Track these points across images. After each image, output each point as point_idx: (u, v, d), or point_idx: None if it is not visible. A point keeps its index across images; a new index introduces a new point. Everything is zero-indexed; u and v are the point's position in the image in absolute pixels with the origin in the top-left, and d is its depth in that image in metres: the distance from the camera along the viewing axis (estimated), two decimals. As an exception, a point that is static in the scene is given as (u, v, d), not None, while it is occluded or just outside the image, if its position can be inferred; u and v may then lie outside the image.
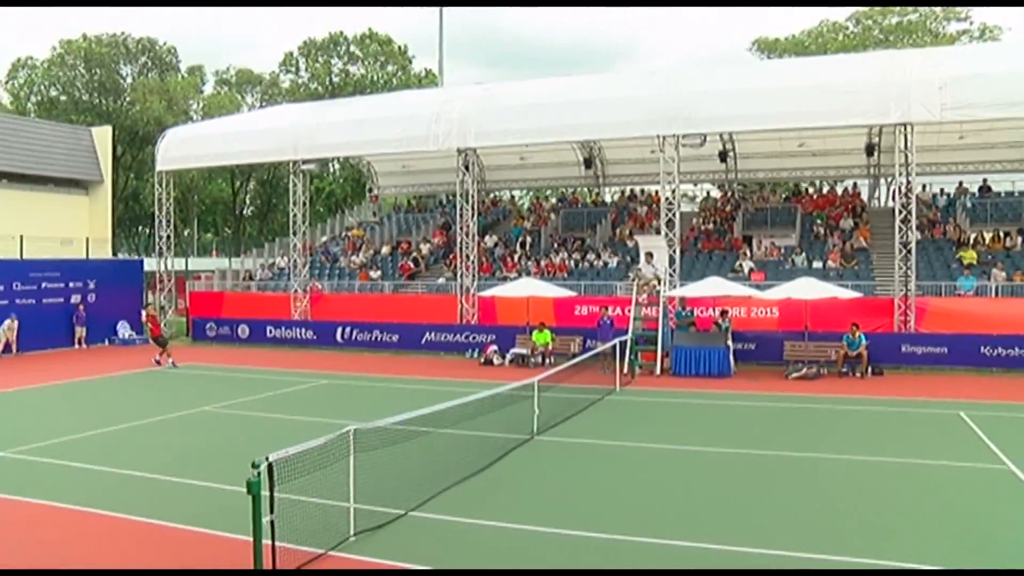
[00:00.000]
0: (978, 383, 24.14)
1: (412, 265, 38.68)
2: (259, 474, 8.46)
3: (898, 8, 60.34)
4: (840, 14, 63.28)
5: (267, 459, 8.58)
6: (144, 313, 31.70)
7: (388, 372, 27.25)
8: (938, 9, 59.52)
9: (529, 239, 39.76)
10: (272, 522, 8.63)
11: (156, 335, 29.56)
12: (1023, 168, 39.24)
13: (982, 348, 27.25)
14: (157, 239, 40.65)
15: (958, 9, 58.93)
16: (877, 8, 60.92)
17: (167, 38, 74.16)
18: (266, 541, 8.59)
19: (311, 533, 9.65)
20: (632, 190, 44.83)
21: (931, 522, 11.16)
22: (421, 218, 46.04)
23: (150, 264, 42.74)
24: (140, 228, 75.91)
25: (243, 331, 36.51)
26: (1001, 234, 33.75)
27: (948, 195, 38.72)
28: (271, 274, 41.03)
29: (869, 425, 18.34)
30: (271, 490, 8.58)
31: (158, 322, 30.79)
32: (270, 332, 35.94)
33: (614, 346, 24.41)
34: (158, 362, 28.71)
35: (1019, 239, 33.21)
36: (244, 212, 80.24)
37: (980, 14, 67.09)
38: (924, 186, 38.43)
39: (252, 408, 20.21)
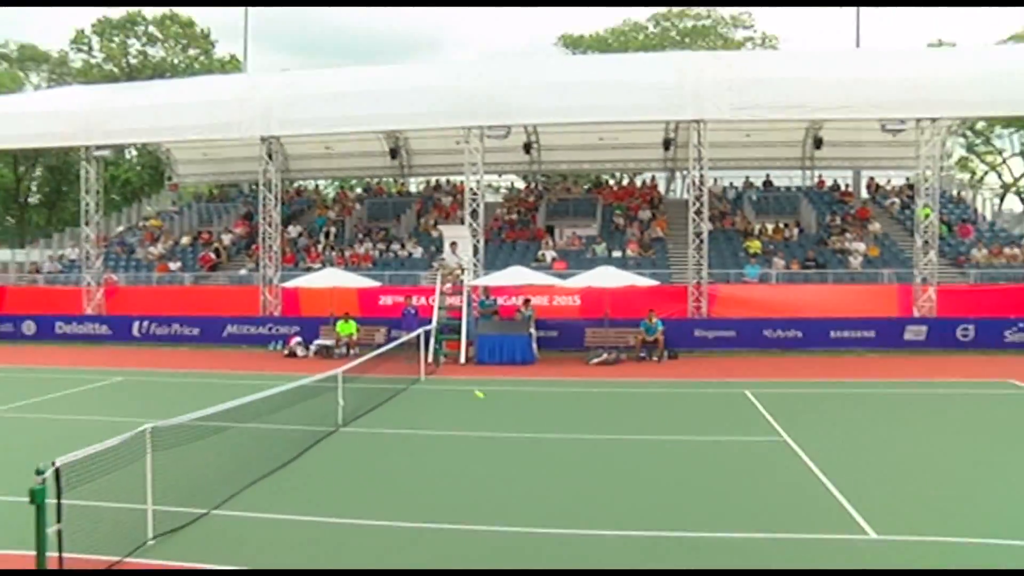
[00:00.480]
0: (761, 363, 25.84)
1: (213, 256, 37.41)
2: (44, 481, 7.90)
3: (693, 12, 63.63)
4: (641, 14, 66.06)
5: (53, 464, 8.03)
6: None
7: (188, 367, 26.30)
8: (727, 16, 63.25)
9: (333, 229, 39.28)
10: (60, 532, 8.08)
11: None
12: (800, 166, 42.42)
13: (765, 331, 29.20)
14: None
15: (744, 17, 62.87)
16: (675, 10, 63.98)
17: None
18: (53, 553, 8.02)
19: (105, 540, 9.14)
20: (437, 180, 45.13)
21: (719, 493, 11.85)
22: (223, 207, 44.54)
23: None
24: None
25: (28, 327, 34.29)
26: (781, 225, 36.27)
27: (736, 189, 41.21)
28: (61, 267, 38.56)
29: (665, 406, 19.26)
30: (58, 498, 8.05)
31: None
32: (60, 328, 33.91)
33: (419, 336, 24.36)
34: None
35: (796, 230, 35.80)
36: (29, 200, 74.52)
37: (762, 23, 72.07)
38: (715, 180, 40.40)
39: (39, 410, 18.93)
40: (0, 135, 36.89)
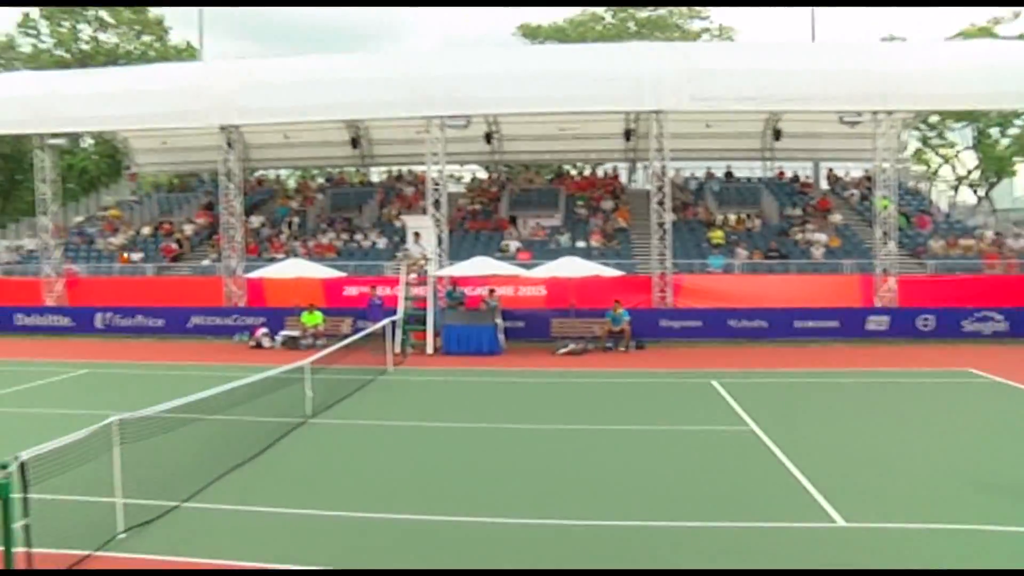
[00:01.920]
0: (727, 353, 25.90)
1: (175, 247, 36.85)
2: (9, 475, 7.71)
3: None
4: (600, 6, 66.05)
5: (17, 458, 7.82)
6: None
7: (153, 358, 25.92)
8: (684, 8, 63.47)
9: (296, 219, 38.88)
10: (27, 527, 7.90)
11: None
12: (759, 157, 42.61)
13: (730, 321, 29.31)
14: None
15: (699, 9, 63.17)
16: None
17: None
18: (21, 549, 7.86)
19: (75, 534, 8.99)
20: (400, 170, 44.75)
21: (687, 483, 11.91)
22: (184, 197, 43.89)
23: None
24: None
25: (-15, 319, 33.33)
26: (743, 216, 36.40)
27: (698, 180, 41.27)
28: (19, 257, 37.71)
29: (633, 396, 19.26)
30: (24, 492, 7.87)
31: None
32: (19, 320, 33.24)
33: (385, 326, 24.14)
34: None
35: (757, 221, 36.02)
36: (-19, 189, 72.59)
37: (718, 16, 72.56)
38: (677, 170, 40.37)
39: (1, 404, 18.42)
40: (-53, 121, 34.97)
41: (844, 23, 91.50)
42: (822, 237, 33.70)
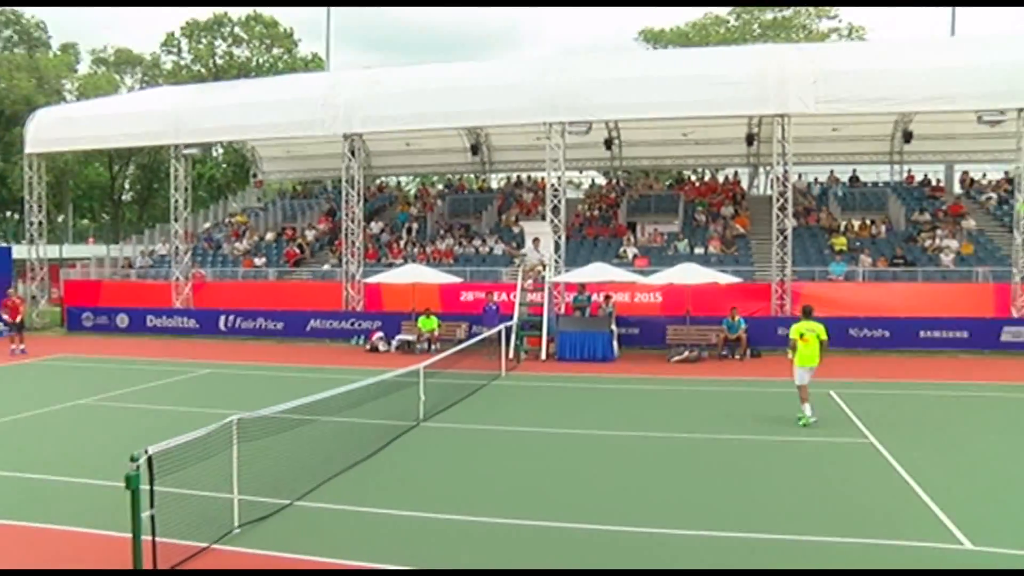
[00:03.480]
0: (846, 363, 25.11)
1: (297, 251, 38.12)
2: (138, 468, 8.22)
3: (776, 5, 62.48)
4: (722, 8, 65.12)
5: (146, 452, 8.33)
6: (10, 301, 30.12)
7: (273, 360, 27.00)
8: (812, 8, 61.85)
9: (415, 225, 39.72)
10: (152, 517, 8.43)
11: (12, 320, 28.25)
12: (887, 160, 41.39)
13: (850, 330, 28.40)
14: (28, 225, 38.84)
15: (828, 8, 61.42)
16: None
17: (33, 12, 69.67)
18: (147, 537, 8.38)
19: (194, 526, 9.48)
20: (518, 176, 45.18)
21: (804, 496, 11.69)
22: (307, 204, 45.33)
23: (20, 252, 40.69)
24: (9, 214, 72.02)
25: (122, 320, 35.42)
26: (868, 222, 35.40)
27: (821, 184, 40.34)
28: (151, 261, 39.75)
29: (748, 405, 18.97)
30: (151, 484, 8.38)
31: (17, 308, 29.40)
32: (150, 321, 34.98)
33: (500, 331, 24.38)
34: (23, 351, 27.40)
35: (883, 227, 34.85)
36: (122, 198, 77.05)
37: (848, 14, 70.36)
38: (800, 175, 39.70)
39: (131, 400, 19.62)
40: (97, 135, 38.22)
41: (987, 19, 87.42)
42: (953, 243, 32.41)
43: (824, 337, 16.88)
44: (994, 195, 37.28)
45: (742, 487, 12.15)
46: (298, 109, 33.69)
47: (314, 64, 67.21)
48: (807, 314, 17.33)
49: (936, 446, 14.61)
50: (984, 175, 39.66)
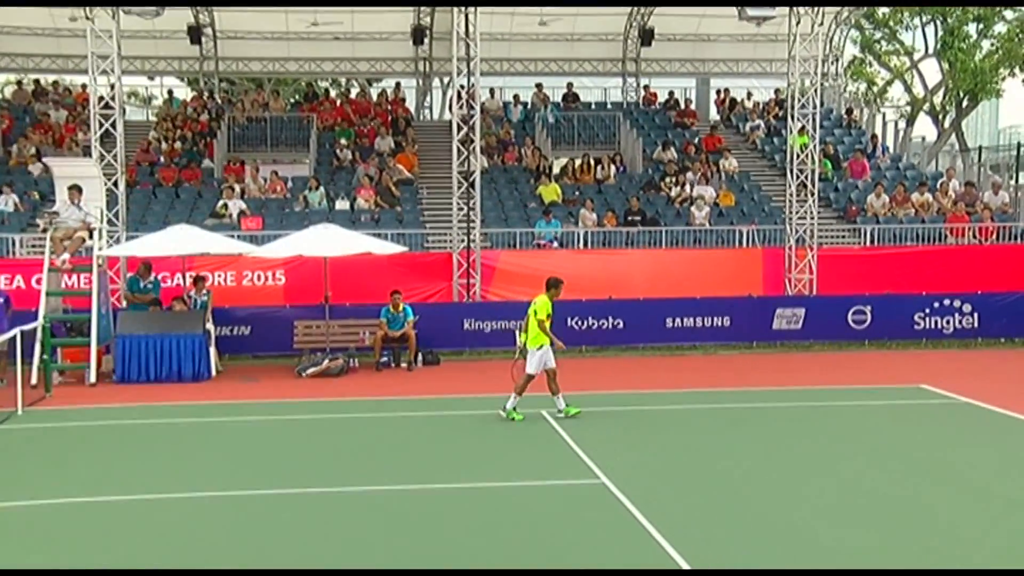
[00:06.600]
0: (565, 368, 19.62)
1: None
2: None
3: None
4: None
5: None
6: None
7: None
8: None
9: None
10: None
11: None
12: (619, 71, 36.92)
13: (569, 320, 24.80)
14: None
15: None
16: None
17: None
18: None
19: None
20: (38, 81, 38.19)
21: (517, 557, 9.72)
22: None
23: None
24: None
25: None
26: (591, 162, 32.78)
27: (524, 105, 37.49)
28: None
29: (423, 439, 15.88)
30: None
31: None
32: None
33: (13, 340, 19.73)
34: None
35: (613, 169, 32.57)
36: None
37: None
38: (492, 91, 36.14)
39: None
40: None
41: None
42: (708, 192, 30.76)
43: (542, 316, 15.60)
44: (761, 123, 35.83)
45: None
46: None
47: None
48: (548, 288, 16.25)
49: (685, 487, 12.46)
50: (749, 95, 37.96)
